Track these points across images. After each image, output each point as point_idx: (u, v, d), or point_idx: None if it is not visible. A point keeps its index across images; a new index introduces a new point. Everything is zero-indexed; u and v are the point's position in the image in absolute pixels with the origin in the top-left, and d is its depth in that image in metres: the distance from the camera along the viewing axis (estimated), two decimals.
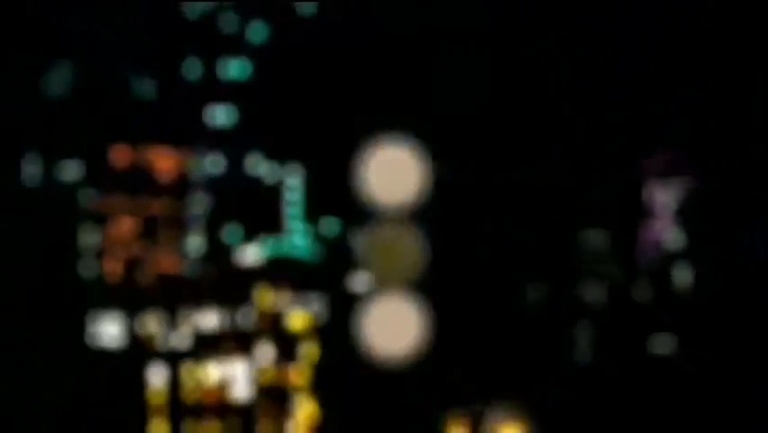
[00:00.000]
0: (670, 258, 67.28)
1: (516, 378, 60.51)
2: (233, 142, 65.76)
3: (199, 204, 66.32)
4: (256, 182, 64.63)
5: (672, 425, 59.35)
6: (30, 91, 65.91)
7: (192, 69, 65.66)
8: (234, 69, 64.71)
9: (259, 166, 65.27)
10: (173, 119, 64.01)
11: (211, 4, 63.44)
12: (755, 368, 59.96)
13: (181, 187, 66.55)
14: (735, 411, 58.74)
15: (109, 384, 57.63)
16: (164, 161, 66.59)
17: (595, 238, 66.76)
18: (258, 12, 65.10)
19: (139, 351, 59.25)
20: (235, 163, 65.08)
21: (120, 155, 65.51)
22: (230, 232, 63.22)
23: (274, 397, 55.12)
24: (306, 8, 63.11)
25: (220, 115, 65.24)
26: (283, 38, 65.06)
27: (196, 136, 65.53)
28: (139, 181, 65.90)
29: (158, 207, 66.32)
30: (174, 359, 54.97)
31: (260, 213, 64.00)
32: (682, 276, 66.50)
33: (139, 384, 56.55)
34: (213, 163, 65.09)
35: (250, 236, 62.99)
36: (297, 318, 55.93)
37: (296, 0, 65.12)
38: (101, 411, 56.48)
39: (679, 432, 59.75)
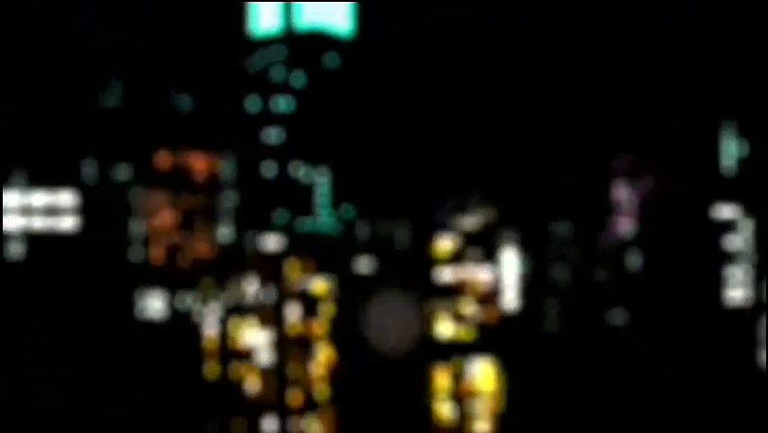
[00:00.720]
0: (623, 246, 70.65)
1: (496, 341, 65.45)
2: (281, 154, 76.46)
3: (229, 199, 72.07)
4: (297, 181, 75.48)
5: (621, 379, 64.53)
6: (89, 104, 70.44)
7: (254, 104, 76.79)
8: (283, 104, 76.23)
9: (299, 170, 75.35)
10: (239, 136, 74.34)
11: (266, 59, 75.44)
12: (691, 334, 65.01)
13: (213, 185, 71.73)
14: (673, 368, 64.07)
15: (166, 340, 61.92)
16: (200, 164, 71.23)
17: (562, 228, 71.17)
18: (298, 66, 76.95)
19: (186, 316, 63.50)
20: (283, 168, 75.83)
21: (163, 159, 70.17)
22: (280, 215, 72.63)
23: (301, 344, 60.52)
24: (331, 63, 75.40)
25: (273, 136, 76.32)
26: (316, 83, 77.75)
27: (256, 150, 75.78)
28: (179, 181, 70.70)
29: (194, 202, 71.14)
30: (224, 316, 59.58)
31: (299, 202, 74.41)
32: (634, 261, 70.07)
33: (196, 338, 61.04)
34: (268, 168, 75.35)
35: (293, 217, 72.94)
36: (318, 285, 61.75)
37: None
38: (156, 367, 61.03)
39: (625, 384, 64.24)
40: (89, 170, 66.57)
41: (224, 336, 58.82)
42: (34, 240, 61.82)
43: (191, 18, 74.13)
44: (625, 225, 72.63)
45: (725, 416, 62.13)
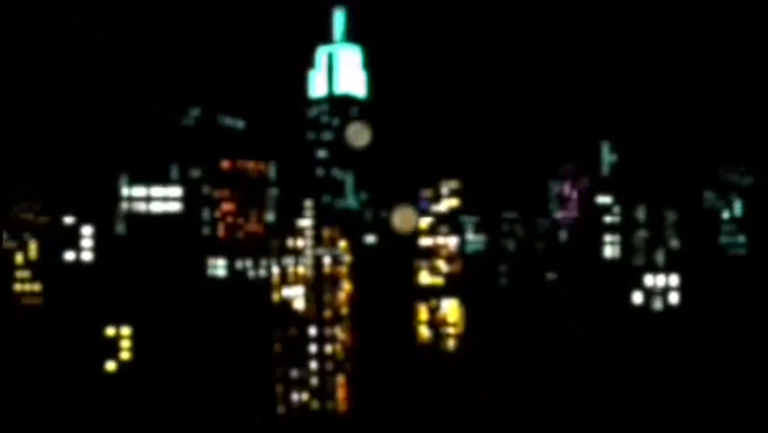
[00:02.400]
0: (556, 226, 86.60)
1: (461, 294, 77.55)
2: (327, 163, 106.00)
3: (273, 193, 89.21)
4: (334, 179, 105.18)
5: (554, 321, 77.55)
6: (171, 124, 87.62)
7: (310, 135, 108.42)
8: (328, 135, 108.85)
9: (336, 172, 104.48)
10: (302, 152, 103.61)
11: (318, 111, 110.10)
12: (607, 288, 78.91)
13: (263, 183, 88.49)
14: (590, 312, 77.72)
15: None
16: (252, 168, 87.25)
17: (511, 215, 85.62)
18: (336, 114, 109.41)
19: (242, 275, 77.72)
20: (327, 170, 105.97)
21: (226, 164, 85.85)
22: (325, 197, 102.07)
23: (331, 280, 72.56)
24: (354, 114, 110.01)
25: (321, 153, 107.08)
26: (346, 125, 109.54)
27: (311, 162, 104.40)
28: (237, 180, 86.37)
29: (248, 195, 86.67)
30: (284, 264, 72.66)
31: (336, 190, 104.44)
32: (563, 235, 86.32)
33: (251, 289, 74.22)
34: (319, 171, 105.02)
35: (333, 198, 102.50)
36: (342, 244, 73.69)
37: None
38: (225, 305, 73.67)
39: (559, 324, 76.94)
40: (173, 172, 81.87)
41: (283, 275, 72.85)
42: (144, 219, 76.12)
43: (274, 83, 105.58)
44: (561, 213, 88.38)
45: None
